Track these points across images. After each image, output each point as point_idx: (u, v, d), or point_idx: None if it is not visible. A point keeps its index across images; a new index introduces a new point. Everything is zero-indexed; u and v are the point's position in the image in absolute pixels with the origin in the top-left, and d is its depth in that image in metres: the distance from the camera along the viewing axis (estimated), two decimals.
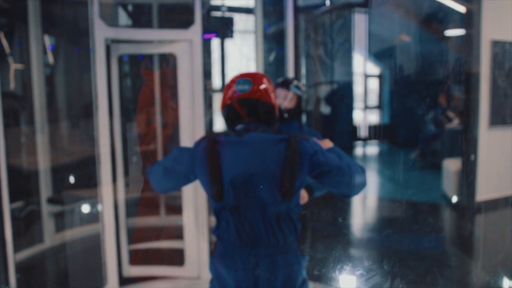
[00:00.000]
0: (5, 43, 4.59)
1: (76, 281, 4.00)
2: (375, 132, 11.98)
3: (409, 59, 8.06)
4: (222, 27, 6.70)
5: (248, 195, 1.66)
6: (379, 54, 11.55)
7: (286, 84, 2.65)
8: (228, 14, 7.46)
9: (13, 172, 4.65)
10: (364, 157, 10.97)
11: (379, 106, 12.30)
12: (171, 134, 4.02)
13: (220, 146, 1.69)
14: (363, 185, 1.80)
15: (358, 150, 11.47)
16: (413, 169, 7.78)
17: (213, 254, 1.81)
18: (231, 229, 1.70)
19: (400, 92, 10.61)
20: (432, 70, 7.13)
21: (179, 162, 1.78)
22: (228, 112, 1.81)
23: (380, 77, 12.21)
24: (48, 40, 4.92)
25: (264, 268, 1.69)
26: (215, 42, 9.25)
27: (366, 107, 12.15)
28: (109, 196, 3.50)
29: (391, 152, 10.94)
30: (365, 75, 11.94)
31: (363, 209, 6.43)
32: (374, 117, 12.44)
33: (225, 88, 1.84)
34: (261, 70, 4.71)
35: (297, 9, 3.57)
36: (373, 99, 12.45)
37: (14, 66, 4.74)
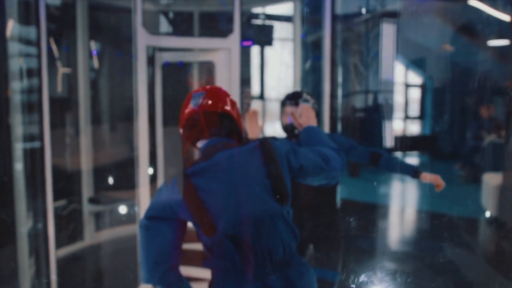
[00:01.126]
0: (54, 48, 4.80)
1: (112, 279, 4.13)
2: (416, 143, 11.71)
3: (452, 69, 7.87)
4: (261, 35, 6.77)
5: (244, 217, 1.55)
6: (421, 63, 11.32)
7: (294, 99, 2.55)
8: (268, 22, 7.54)
9: (58, 172, 4.86)
10: None
11: (421, 117, 12.03)
12: None
13: (193, 178, 1.57)
14: (342, 169, 1.71)
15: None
16: (454, 182, 7.57)
17: (210, 285, 1.71)
18: (230, 257, 1.58)
19: (442, 103, 10.35)
20: (474, 80, 6.94)
21: (161, 231, 1.61)
22: (187, 128, 1.70)
23: (422, 87, 11.95)
24: (93, 46, 5.13)
25: (277, 286, 1.60)
26: (255, 50, 9.36)
27: (407, 117, 11.90)
28: (146, 198, 3.60)
29: (431, 164, 10.66)
30: (406, 84, 11.71)
31: (400, 222, 6.31)
32: (415, 128, 12.17)
33: (182, 106, 1.72)
34: (298, 78, 4.74)
35: (334, 18, 3.58)
36: (415, 109, 12.19)
37: (62, 70, 4.95)
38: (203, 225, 1.54)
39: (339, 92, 3.51)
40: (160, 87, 4.27)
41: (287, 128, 2.55)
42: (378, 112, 9.56)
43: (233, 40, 3.54)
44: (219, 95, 1.70)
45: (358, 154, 2.55)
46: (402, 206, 7.15)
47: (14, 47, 3.67)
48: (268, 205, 1.56)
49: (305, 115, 1.92)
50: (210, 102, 1.65)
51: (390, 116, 10.90)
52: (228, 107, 1.68)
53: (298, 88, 4.75)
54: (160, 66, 4.18)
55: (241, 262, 1.57)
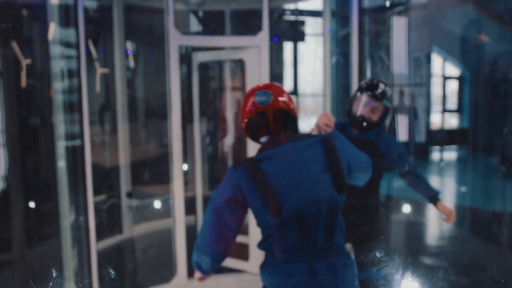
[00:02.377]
0: (93, 49, 5.00)
1: (149, 270, 4.30)
2: (453, 137, 11.43)
3: (490, 60, 7.63)
4: (293, 31, 6.79)
5: (307, 201, 1.68)
6: (459, 55, 11.02)
7: (377, 94, 2.46)
8: (299, 18, 7.54)
9: (98, 168, 5.08)
10: (441, 162, 10.52)
11: (459, 110, 11.71)
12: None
13: (261, 163, 1.70)
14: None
15: (435, 155, 11.01)
16: (492, 177, 7.36)
17: (263, 266, 1.83)
18: (290, 238, 1.70)
19: (481, 95, 10.05)
20: None
21: (231, 209, 1.71)
22: (253, 124, 1.82)
23: (460, 79, 11.62)
24: (129, 46, 5.31)
25: (321, 272, 1.69)
26: (288, 46, 9.38)
27: (445, 111, 11.61)
28: (180, 193, 3.72)
29: (469, 158, 10.38)
30: (444, 76, 11.42)
31: (439, 217, 6.22)
32: (453, 121, 11.87)
33: (244, 101, 1.86)
34: (328, 73, 4.74)
35: (362, 11, 3.58)
36: (453, 102, 11.88)
37: (100, 71, 5.14)
38: (269, 206, 1.65)
39: None
40: (197, 85, 4.42)
41: (358, 119, 2.49)
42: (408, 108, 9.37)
43: (262, 37, 3.61)
44: (283, 94, 1.83)
45: (399, 161, 2.48)
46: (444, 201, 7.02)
47: (55, 50, 3.86)
48: (329, 193, 1.70)
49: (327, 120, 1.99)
50: (277, 101, 1.80)
51: (428, 109, 10.69)
52: (292, 106, 1.84)
53: (328, 82, 4.76)
54: (197, 65, 4.32)
55: (298, 244, 1.70)
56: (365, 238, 2.56)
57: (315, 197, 1.68)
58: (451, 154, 11.28)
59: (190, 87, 4.41)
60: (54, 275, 3.21)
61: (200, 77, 4.40)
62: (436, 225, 5.80)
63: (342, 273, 1.72)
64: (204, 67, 4.44)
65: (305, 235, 1.69)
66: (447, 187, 7.92)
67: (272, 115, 1.78)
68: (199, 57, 4.23)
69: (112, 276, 3.88)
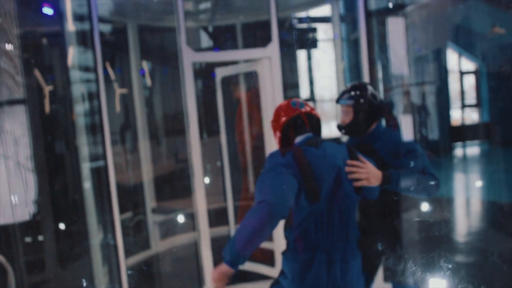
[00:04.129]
0: (110, 71, 5.14)
1: (178, 283, 4.36)
2: (474, 132, 11.26)
3: (506, 53, 7.53)
4: (305, 38, 6.85)
5: (338, 195, 1.92)
6: (474, 49, 10.89)
7: (338, 98, 2.52)
8: (310, 25, 7.60)
9: (122, 187, 5.20)
10: (465, 158, 10.37)
11: (478, 104, 11.54)
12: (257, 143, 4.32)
13: (306, 153, 1.92)
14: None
15: (458, 152, 10.87)
16: None
17: (286, 252, 2.02)
18: (314, 227, 1.92)
19: (499, 88, 9.89)
20: None
21: (289, 172, 1.85)
22: (293, 124, 2.07)
23: (476, 73, 11.48)
24: (145, 65, 5.45)
25: (339, 260, 1.92)
26: (301, 53, 9.44)
27: (464, 106, 11.47)
28: (203, 206, 3.79)
29: (492, 152, 10.21)
30: (461, 72, 11.29)
31: (466, 213, 6.15)
32: (473, 116, 11.71)
33: (278, 110, 2.12)
34: (341, 77, 4.79)
35: (369, 15, 3.60)
36: (471, 97, 11.72)
37: (118, 91, 5.28)
38: (311, 190, 1.85)
39: (380, 88, 3.52)
40: (222, 100, 4.56)
41: (341, 127, 2.52)
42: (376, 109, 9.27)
43: (273, 48, 3.67)
44: (308, 103, 2.16)
45: (409, 163, 2.30)
46: (466, 197, 6.95)
47: (75, 74, 4.01)
48: (350, 191, 1.96)
49: (366, 180, 2.03)
50: (308, 106, 2.12)
51: (447, 106, 10.57)
52: (317, 113, 2.15)
53: (342, 87, 4.80)
54: (220, 80, 4.44)
55: (321, 234, 1.92)
56: (387, 246, 2.53)
57: (342, 192, 1.93)
58: (473, 150, 11.11)
59: (207, 101, 4.53)
60: None
61: (213, 91, 4.53)
62: (460, 222, 5.74)
63: (352, 264, 1.96)
64: (220, 81, 4.56)
65: (328, 225, 1.91)
66: (473, 183, 7.81)
67: (306, 117, 2.07)
68: (222, 72, 4.40)
69: None
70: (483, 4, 7.89)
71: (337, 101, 2.52)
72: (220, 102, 4.58)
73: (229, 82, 4.72)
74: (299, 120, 2.07)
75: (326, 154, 1.96)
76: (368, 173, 2.00)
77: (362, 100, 2.42)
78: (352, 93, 2.45)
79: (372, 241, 2.50)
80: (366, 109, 2.42)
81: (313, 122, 2.09)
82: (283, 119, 2.08)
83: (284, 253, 2.04)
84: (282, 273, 2.06)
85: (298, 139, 2.06)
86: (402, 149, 2.30)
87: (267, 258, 3.98)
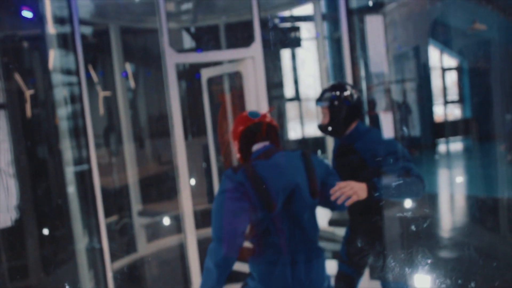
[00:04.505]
0: (93, 74, 5.09)
1: (166, 286, 4.34)
2: (458, 128, 11.41)
3: (487, 49, 7.65)
4: (288, 37, 6.87)
5: (294, 201, 2.01)
6: (455, 45, 11.04)
7: (316, 100, 2.52)
8: (294, 24, 7.63)
9: (108, 190, 5.16)
10: (448, 154, 10.51)
11: (460, 100, 11.70)
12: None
13: (257, 168, 2.00)
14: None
15: (442, 148, 11.00)
16: (500, 165, 7.35)
17: (253, 256, 2.10)
18: (276, 233, 2.01)
19: (480, 85, 10.05)
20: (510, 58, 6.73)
21: (239, 197, 1.96)
22: (250, 133, 2.15)
23: (458, 69, 11.64)
24: (128, 67, 5.41)
25: (302, 261, 2.04)
26: (285, 53, 9.47)
27: (446, 102, 11.61)
28: (189, 208, 3.78)
29: (475, 147, 10.36)
30: (442, 68, 11.44)
31: (451, 208, 6.23)
32: (456, 112, 11.87)
33: (237, 119, 2.20)
34: (324, 76, 4.81)
35: (350, 12, 3.62)
36: (454, 93, 11.88)
37: (102, 94, 5.23)
38: (266, 202, 1.96)
39: (363, 86, 3.54)
40: (208, 101, 4.55)
41: (321, 128, 2.54)
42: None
43: (256, 48, 3.67)
44: (267, 113, 2.24)
45: (390, 164, 2.29)
46: (449, 192, 7.04)
47: (57, 77, 3.96)
48: (306, 196, 2.04)
49: (355, 195, 2.08)
50: (266, 116, 2.20)
51: (430, 102, 10.70)
52: (276, 123, 2.22)
53: (326, 85, 4.82)
54: (206, 81, 4.43)
55: (285, 236, 2.02)
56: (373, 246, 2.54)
57: (298, 199, 2.02)
58: (457, 146, 11.26)
59: (191, 102, 4.52)
60: None
61: (198, 92, 4.53)
62: (443, 217, 5.81)
63: (315, 262, 2.08)
64: (206, 82, 4.56)
65: (289, 229, 2.02)
66: (456, 178, 7.92)
67: (263, 126, 2.14)
68: (208, 73, 4.40)
69: None
70: (462, 0, 8.00)
71: (316, 102, 2.53)
72: (206, 103, 4.58)
73: (211, 83, 4.73)
74: (255, 129, 2.14)
75: (278, 165, 2.05)
76: (352, 189, 2.04)
77: (337, 102, 2.42)
78: (328, 94, 2.46)
79: (358, 238, 2.53)
80: (342, 110, 2.42)
81: (271, 132, 2.16)
82: (240, 128, 2.16)
83: (251, 257, 2.11)
84: (249, 275, 2.16)
85: (255, 148, 2.14)
86: (383, 150, 2.29)
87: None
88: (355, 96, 2.44)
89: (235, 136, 2.20)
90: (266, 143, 2.14)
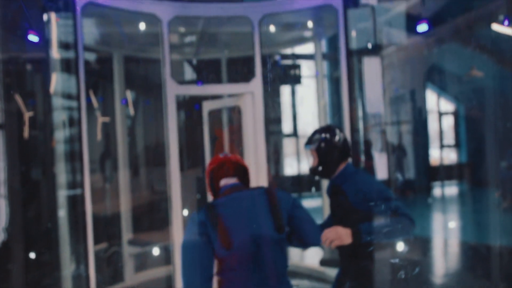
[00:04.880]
0: (94, 99, 5.13)
1: None
2: (453, 172, 11.46)
3: (484, 95, 7.78)
4: (289, 74, 6.98)
5: (252, 238, 2.07)
6: (453, 90, 11.22)
7: (305, 144, 2.63)
8: (295, 62, 7.78)
9: (99, 216, 5.10)
10: (443, 199, 10.50)
11: (456, 145, 11.79)
12: None
13: (218, 208, 2.10)
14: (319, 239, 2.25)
15: (436, 191, 11.01)
16: (494, 211, 7.34)
17: None
18: (239, 267, 2.07)
19: (476, 130, 10.16)
20: (510, 106, 6.84)
21: (201, 239, 2.07)
22: (218, 171, 2.28)
23: (455, 114, 11.79)
24: (129, 95, 5.46)
25: None
26: (285, 89, 9.60)
27: (442, 146, 11.69)
28: (180, 239, 3.74)
29: (470, 193, 10.37)
30: (439, 112, 11.58)
31: (443, 253, 6.18)
32: (452, 156, 11.94)
33: (210, 161, 2.35)
34: (322, 114, 4.86)
35: (350, 53, 3.70)
36: (450, 137, 11.98)
37: (101, 120, 5.25)
38: (223, 240, 2.03)
39: (360, 126, 3.59)
40: (208, 132, 4.60)
41: (311, 170, 2.60)
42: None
43: (256, 84, 3.73)
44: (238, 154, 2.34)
45: (376, 206, 2.35)
46: (445, 236, 7.00)
47: (57, 101, 3.99)
48: (270, 233, 2.10)
49: (338, 240, 2.23)
50: (233, 156, 2.33)
51: (426, 146, 10.77)
52: (245, 163, 2.35)
53: (323, 123, 4.87)
54: (207, 113, 4.49)
55: (247, 272, 2.07)
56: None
57: (259, 236, 2.08)
58: (451, 190, 11.27)
59: (189, 134, 4.55)
60: None
61: (196, 124, 4.57)
62: (435, 262, 5.76)
63: None
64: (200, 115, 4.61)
65: (254, 265, 2.06)
66: (449, 223, 7.89)
67: (231, 164, 2.27)
68: (209, 106, 4.47)
69: None
70: (460, 46, 8.19)
71: (305, 146, 2.62)
72: (206, 135, 4.60)
73: (210, 117, 4.78)
74: (224, 167, 2.27)
75: (239, 203, 2.15)
76: (336, 234, 2.19)
77: (323, 144, 2.50)
78: (314, 137, 2.54)
79: (348, 280, 2.51)
80: (329, 152, 2.49)
81: (239, 170, 2.28)
82: (210, 166, 2.31)
83: None
84: None
85: (222, 183, 2.25)
86: (370, 192, 2.35)
87: None
88: (342, 138, 2.51)
89: (206, 174, 2.36)
90: (233, 180, 2.25)
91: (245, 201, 2.18)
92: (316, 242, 2.26)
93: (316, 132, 2.59)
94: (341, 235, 2.16)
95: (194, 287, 2.03)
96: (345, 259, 2.54)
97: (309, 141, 2.56)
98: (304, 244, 2.29)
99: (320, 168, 2.52)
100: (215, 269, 2.12)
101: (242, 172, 2.31)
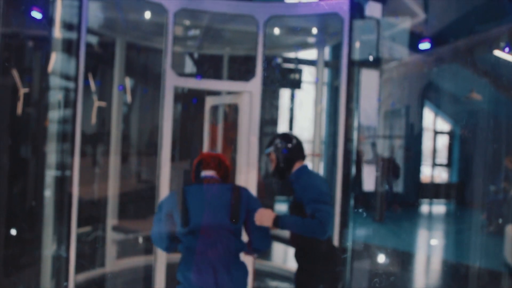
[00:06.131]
0: (92, 82, 5.12)
1: None
2: (443, 191, 11.52)
3: (481, 118, 7.83)
4: (290, 78, 7.00)
5: (207, 223, 2.51)
6: (450, 110, 11.29)
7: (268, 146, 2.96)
8: (297, 66, 7.78)
9: (86, 200, 5.09)
10: (430, 216, 10.55)
11: (448, 164, 11.86)
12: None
13: (186, 193, 2.59)
14: (270, 242, 2.69)
15: (424, 208, 11.06)
16: (478, 233, 7.40)
17: (180, 264, 2.57)
18: (195, 245, 2.51)
19: (470, 151, 10.22)
20: (505, 131, 6.89)
21: (164, 212, 2.62)
22: (199, 164, 2.76)
23: (450, 134, 11.86)
24: (127, 82, 5.44)
25: (221, 271, 2.49)
26: (285, 93, 9.61)
27: (435, 164, 11.76)
28: None
29: (457, 213, 10.43)
30: (435, 131, 11.64)
31: (420, 268, 6.21)
32: (443, 175, 12.00)
33: (197, 157, 2.80)
34: (318, 120, 4.88)
35: (351, 63, 3.72)
36: (443, 156, 12.05)
37: (97, 104, 5.24)
38: (182, 218, 2.52)
39: (354, 136, 3.62)
40: (208, 127, 4.61)
41: (271, 173, 2.96)
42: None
43: (255, 83, 3.74)
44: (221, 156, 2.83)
45: (306, 205, 2.64)
46: (428, 254, 7.04)
47: (54, 81, 3.98)
48: (225, 221, 2.54)
49: (262, 221, 2.59)
50: (217, 155, 2.81)
51: (418, 163, 10.82)
52: (226, 159, 2.81)
53: (319, 129, 4.89)
54: (209, 108, 4.50)
55: (200, 249, 2.50)
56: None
57: (214, 222, 2.53)
58: (439, 208, 11.33)
59: (183, 125, 4.55)
60: None
61: (192, 117, 4.56)
62: (415, 276, 5.79)
63: (236, 275, 2.54)
64: (194, 108, 4.61)
65: (205, 247, 2.50)
66: (433, 240, 7.93)
67: (211, 159, 2.75)
68: (212, 101, 4.49)
69: None
70: (460, 68, 8.25)
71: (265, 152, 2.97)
72: (206, 129, 4.61)
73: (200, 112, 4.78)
74: (206, 161, 2.74)
75: (204, 193, 2.62)
76: (260, 214, 2.57)
77: (278, 147, 2.84)
78: (272, 142, 2.88)
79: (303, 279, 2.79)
80: (283, 155, 2.82)
81: (219, 166, 2.74)
82: (197, 159, 2.78)
83: (179, 265, 2.59)
84: (178, 283, 2.58)
85: (202, 175, 2.71)
86: (308, 196, 2.63)
87: None
88: (295, 141, 2.86)
89: (193, 165, 2.82)
90: (211, 173, 2.71)
91: (211, 192, 2.64)
92: (258, 243, 2.65)
93: (272, 138, 2.92)
94: (264, 216, 2.55)
95: (155, 242, 2.66)
96: (298, 259, 2.83)
97: (267, 146, 2.91)
98: (252, 236, 2.64)
99: (277, 169, 2.85)
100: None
101: (221, 168, 2.76)
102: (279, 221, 2.57)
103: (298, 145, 2.87)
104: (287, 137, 2.89)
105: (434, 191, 11.59)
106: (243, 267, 2.63)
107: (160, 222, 2.62)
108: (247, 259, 2.91)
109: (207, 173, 2.71)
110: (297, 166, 2.83)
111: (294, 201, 2.76)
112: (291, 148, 2.84)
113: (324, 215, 2.51)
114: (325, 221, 2.50)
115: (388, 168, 8.75)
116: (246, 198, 2.65)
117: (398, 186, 10.20)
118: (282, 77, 6.85)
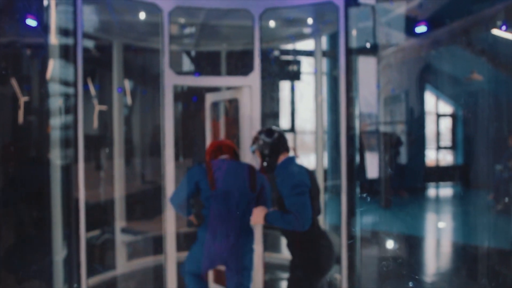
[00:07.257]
0: (91, 87, 5.12)
1: None
2: (448, 174, 11.50)
3: (482, 98, 7.81)
4: (289, 70, 6.98)
5: (232, 190, 3.01)
6: (451, 92, 11.24)
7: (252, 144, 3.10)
8: (296, 58, 7.76)
9: (93, 204, 5.11)
10: (437, 199, 10.54)
11: (453, 147, 11.83)
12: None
13: (213, 164, 3.10)
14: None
15: (431, 192, 11.05)
16: (486, 214, 7.39)
17: (201, 226, 3.07)
18: (217, 210, 2.99)
19: (473, 133, 10.19)
20: (506, 110, 6.86)
21: (192, 179, 3.08)
22: (215, 150, 3.29)
23: (453, 116, 11.81)
24: (127, 84, 5.45)
25: (233, 235, 2.99)
26: (285, 85, 9.58)
27: (439, 147, 11.73)
28: (172, 228, 3.76)
29: (464, 195, 10.41)
30: (438, 114, 11.60)
31: (428, 251, 6.22)
32: (448, 158, 11.97)
33: (209, 145, 3.44)
34: (319, 111, 4.87)
35: (349, 51, 3.71)
36: (447, 139, 12.01)
37: (98, 108, 5.25)
38: (210, 182, 3.00)
39: (357, 124, 3.61)
40: (209, 123, 4.61)
41: (260, 169, 3.05)
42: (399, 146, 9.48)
43: (254, 77, 3.74)
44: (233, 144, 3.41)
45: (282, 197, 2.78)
46: (437, 236, 7.04)
47: (54, 87, 3.98)
48: (245, 189, 3.07)
49: (255, 220, 2.85)
50: (229, 143, 3.37)
51: (422, 147, 10.80)
52: (234, 145, 3.36)
53: (321, 120, 4.88)
54: (210, 105, 4.49)
55: (224, 214, 2.98)
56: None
57: (237, 187, 3.04)
58: (446, 191, 11.31)
59: (185, 124, 4.54)
60: None
61: (193, 115, 4.55)
62: (430, 261, 5.79)
63: (244, 239, 3.06)
64: (194, 105, 4.60)
65: (227, 209, 2.99)
66: (440, 223, 7.93)
67: (224, 147, 3.29)
68: (212, 97, 4.50)
69: None
70: (458, 49, 8.20)
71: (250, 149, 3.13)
72: (208, 126, 4.60)
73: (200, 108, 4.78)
74: (221, 148, 3.28)
75: (227, 166, 3.10)
76: (254, 214, 2.82)
77: (261, 143, 2.94)
78: (255, 139, 2.99)
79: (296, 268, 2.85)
80: (266, 149, 2.92)
81: (232, 151, 3.30)
82: (211, 147, 3.33)
83: (199, 227, 3.09)
84: (197, 237, 3.09)
85: (222, 157, 3.22)
86: (285, 189, 2.70)
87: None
88: (277, 135, 2.95)
89: (206, 152, 3.35)
90: (226, 156, 3.24)
91: (233, 166, 3.16)
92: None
93: (256, 134, 3.04)
94: (256, 215, 2.81)
95: (176, 207, 3.17)
96: (290, 249, 2.90)
97: (251, 144, 3.04)
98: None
99: (264, 164, 2.94)
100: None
101: (234, 153, 3.31)
102: (267, 218, 2.74)
103: (280, 138, 2.95)
104: (269, 132, 2.97)
105: (439, 174, 11.58)
106: (251, 232, 3.15)
107: (184, 188, 3.07)
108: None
109: (224, 156, 3.23)
110: (281, 158, 2.92)
111: (277, 194, 2.85)
112: (273, 142, 2.93)
113: (298, 209, 2.60)
114: (300, 214, 2.58)
115: (390, 143, 8.72)
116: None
117: (404, 172, 10.18)
118: (281, 69, 6.83)
